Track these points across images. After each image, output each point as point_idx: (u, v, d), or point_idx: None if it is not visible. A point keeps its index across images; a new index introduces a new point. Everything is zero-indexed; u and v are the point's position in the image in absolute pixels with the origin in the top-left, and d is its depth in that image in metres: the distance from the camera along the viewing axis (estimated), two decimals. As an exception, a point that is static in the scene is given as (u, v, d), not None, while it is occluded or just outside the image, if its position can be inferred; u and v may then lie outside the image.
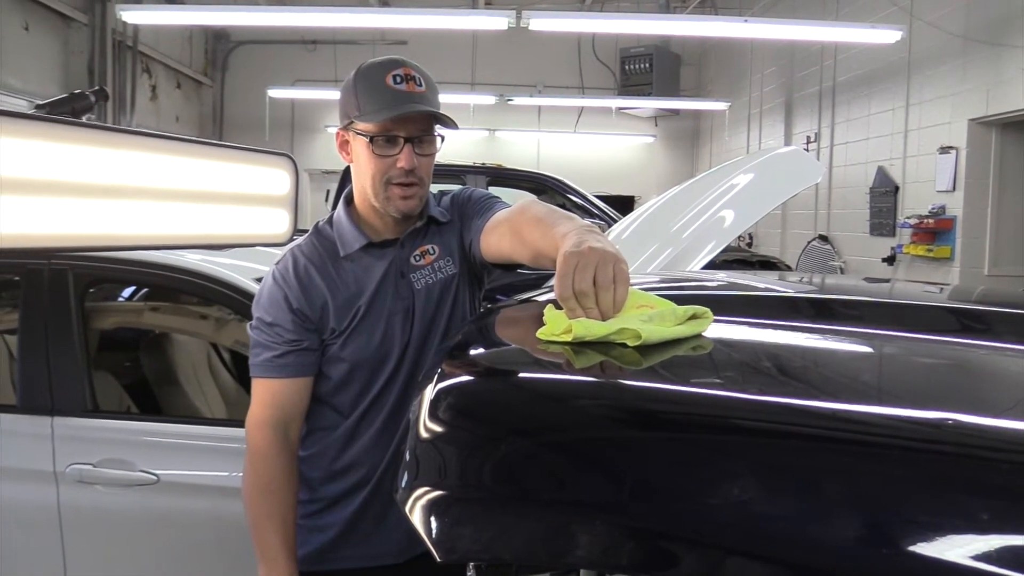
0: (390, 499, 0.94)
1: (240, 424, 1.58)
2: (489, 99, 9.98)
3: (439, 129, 1.49)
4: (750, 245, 8.98)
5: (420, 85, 1.43)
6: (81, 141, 1.11)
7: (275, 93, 9.84)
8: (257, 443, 1.49)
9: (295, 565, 1.48)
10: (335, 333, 1.50)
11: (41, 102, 1.42)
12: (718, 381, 0.84)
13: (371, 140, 1.43)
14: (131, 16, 6.62)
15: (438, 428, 0.74)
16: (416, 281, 1.52)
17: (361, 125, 1.45)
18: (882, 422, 0.68)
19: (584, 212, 5.89)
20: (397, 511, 0.73)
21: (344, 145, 1.52)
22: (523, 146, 11.47)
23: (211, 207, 1.42)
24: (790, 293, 1.44)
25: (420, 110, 1.42)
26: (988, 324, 1.17)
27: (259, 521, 1.48)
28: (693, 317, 0.93)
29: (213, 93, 11.39)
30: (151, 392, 2.85)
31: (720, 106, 9.76)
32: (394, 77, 1.42)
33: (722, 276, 1.80)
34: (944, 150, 5.74)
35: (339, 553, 1.55)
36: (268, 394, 1.49)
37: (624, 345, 0.87)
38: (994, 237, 5.60)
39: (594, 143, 11.53)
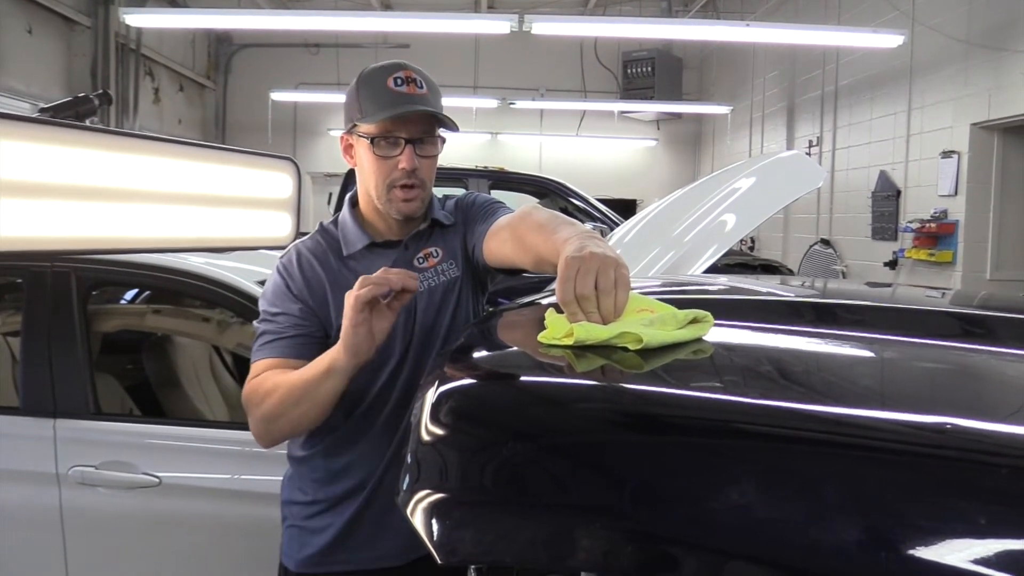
0: (389, 501, 0.93)
1: (242, 427, 1.57)
2: (491, 102, 10.00)
3: (440, 131, 1.49)
4: (752, 249, 8.98)
5: (421, 87, 1.44)
6: (85, 144, 1.12)
7: (278, 96, 9.87)
8: (251, 389, 1.41)
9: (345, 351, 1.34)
10: (337, 331, 1.49)
11: (45, 106, 1.42)
12: (719, 385, 0.84)
13: (372, 141, 1.44)
14: (134, 19, 6.63)
15: (439, 431, 0.74)
16: (419, 283, 1.52)
17: (363, 127, 1.46)
18: (883, 427, 0.68)
19: (586, 216, 5.89)
20: (396, 513, 0.73)
21: (348, 149, 1.53)
22: (525, 150, 11.49)
23: (214, 210, 1.43)
24: (791, 297, 1.44)
25: (420, 110, 1.43)
26: (990, 329, 1.17)
27: (294, 405, 1.37)
28: (694, 321, 0.93)
29: (216, 96, 11.42)
30: (153, 394, 2.86)
31: (722, 110, 9.77)
32: (395, 79, 1.43)
33: (724, 280, 1.80)
34: (946, 154, 5.74)
35: (338, 556, 1.54)
36: (263, 367, 1.44)
37: (625, 349, 0.87)
38: (996, 241, 5.60)
39: (596, 147, 11.55)
